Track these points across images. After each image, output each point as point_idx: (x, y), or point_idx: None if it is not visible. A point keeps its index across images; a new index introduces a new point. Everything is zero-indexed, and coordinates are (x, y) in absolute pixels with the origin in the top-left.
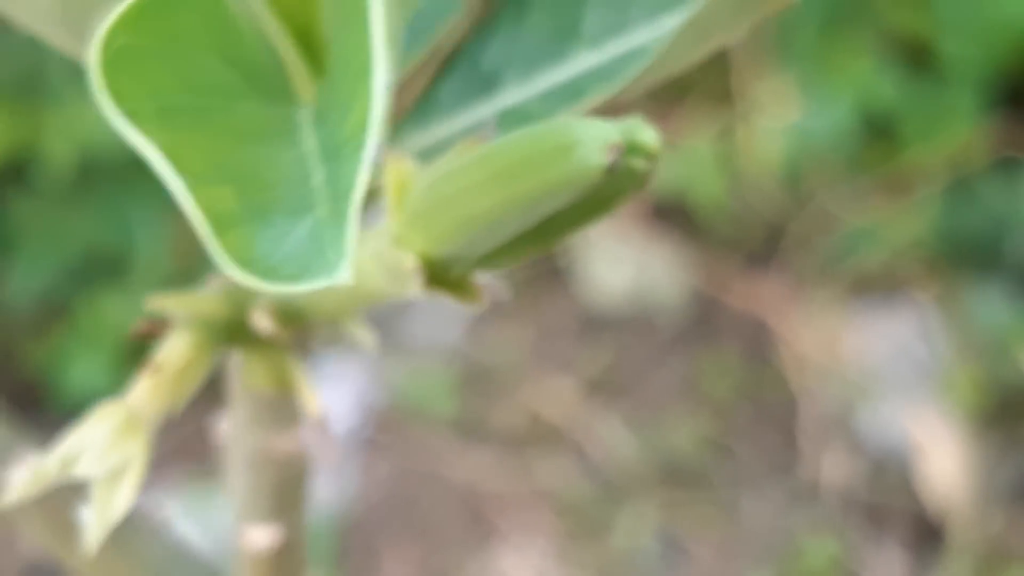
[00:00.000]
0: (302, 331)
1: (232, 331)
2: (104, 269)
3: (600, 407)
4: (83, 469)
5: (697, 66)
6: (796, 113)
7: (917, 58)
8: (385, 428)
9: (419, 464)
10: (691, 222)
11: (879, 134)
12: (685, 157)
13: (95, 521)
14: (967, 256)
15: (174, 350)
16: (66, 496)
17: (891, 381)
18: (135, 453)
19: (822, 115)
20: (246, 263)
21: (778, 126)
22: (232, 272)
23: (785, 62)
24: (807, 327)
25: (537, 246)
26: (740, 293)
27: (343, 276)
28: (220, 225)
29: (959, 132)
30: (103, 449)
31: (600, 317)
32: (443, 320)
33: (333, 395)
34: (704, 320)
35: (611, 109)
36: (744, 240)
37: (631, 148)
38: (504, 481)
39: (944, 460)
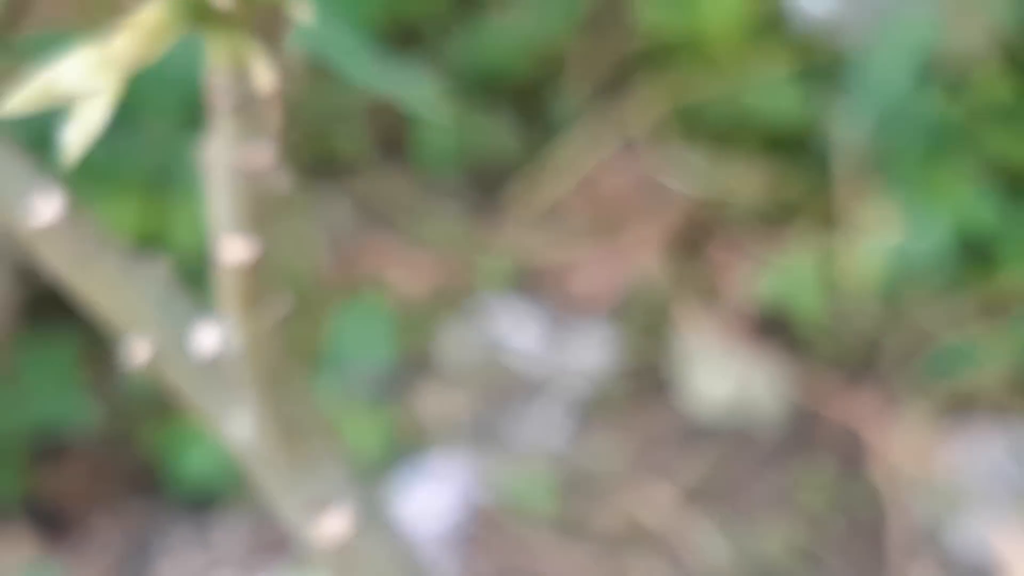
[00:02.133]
0: (261, 13)
1: (197, 9)
2: None
3: (696, 514)
4: (63, 91)
5: (802, 188)
6: (897, 234)
7: (1016, 184)
8: (486, 526)
9: (518, 562)
10: (792, 337)
11: (977, 256)
12: (788, 274)
13: (74, 137)
14: None
15: (146, 16)
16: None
17: (981, 498)
18: (111, 85)
19: (922, 237)
20: None
21: (879, 247)
22: None
23: (888, 186)
24: (901, 442)
25: None
26: (837, 407)
27: None
28: None
29: None
30: (81, 76)
31: (701, 428)
32: (548, 425)
33: (436, 492)
34: (802, 433)
35: None
36: (843, 355)
37: None
38: None
39: None
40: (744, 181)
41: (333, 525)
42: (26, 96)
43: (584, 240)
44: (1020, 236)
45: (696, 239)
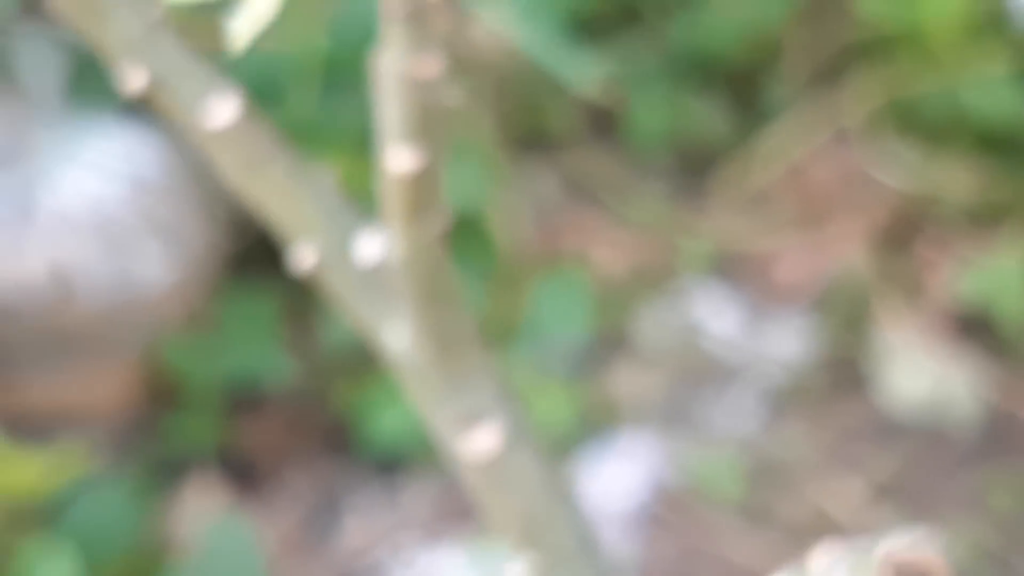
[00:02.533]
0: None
1: None
2: None
3: (885, 510)
4: None
5: (1016, 189)
6: None
7: None
8: (672, 507)
9: (702, 545)
10: (993, 338)
11: None
12: (993, 275)
13: (243, 26)
14: None
15: None
16: None
17: None
18: None
19: None
20: None
21: None
22: None
23: None
24: None
25: None
26: None
27: None
28: None
29: None
30: None
31: (895, 424)
32: (741, 410)
33: (624, 470)
34: (997, 435)
35: None
36: None
37: None
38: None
39: None
40: (955, 179)
41: (483, 439)
42: None
43: (789, 229)
44: None
45: (902, 235)
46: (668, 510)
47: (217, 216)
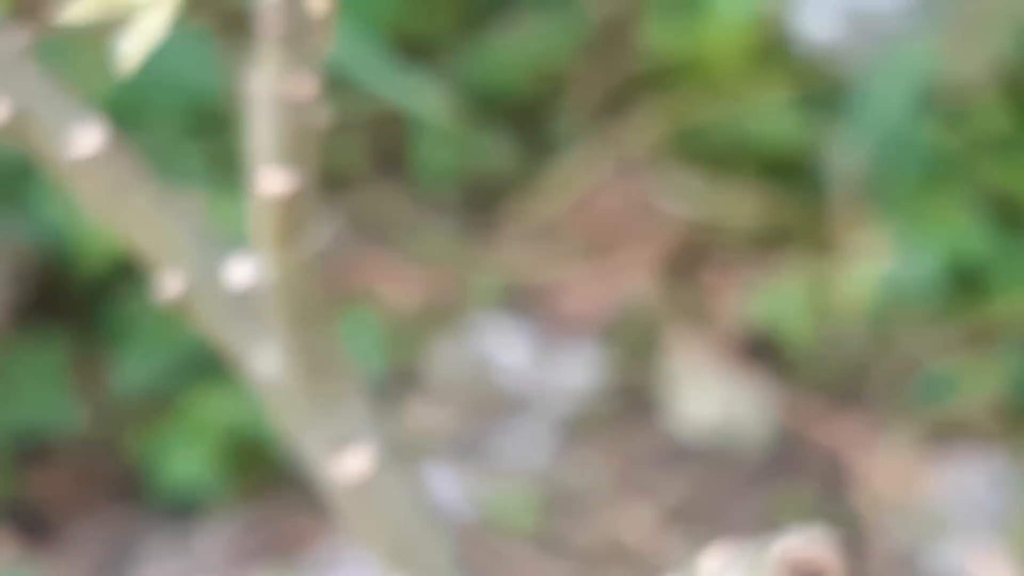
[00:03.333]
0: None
1: None
2: (210, 365)
3: (677, 534)
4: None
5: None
6: (889, 261)
7: (1009, 215)
8: (468, 541)
9: None
10: (780, 361)
11: (967, 285)
12: (779, 298)
13: (132, 48)
14: None
15: None
16: None
17: (960, 525)
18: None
19: (914, 264)
20: None
21: (871, 273)
22: None
23: (882, 213)
24: (883, 467)
25: None
26: (822, 431)
27: None
28: None
29: None
30: None
31: (685, 449)
32: (533, 441)
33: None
34: (785, 456)
35: None
36: (830, 380)
37: None
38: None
39: None
40: (740, 205)
41: (354, 462)
42: (87, 5)
43: (577, 260)
44: (1011, 266)
45: (689, 262)
46: (464, 544)
47: (0, 263)
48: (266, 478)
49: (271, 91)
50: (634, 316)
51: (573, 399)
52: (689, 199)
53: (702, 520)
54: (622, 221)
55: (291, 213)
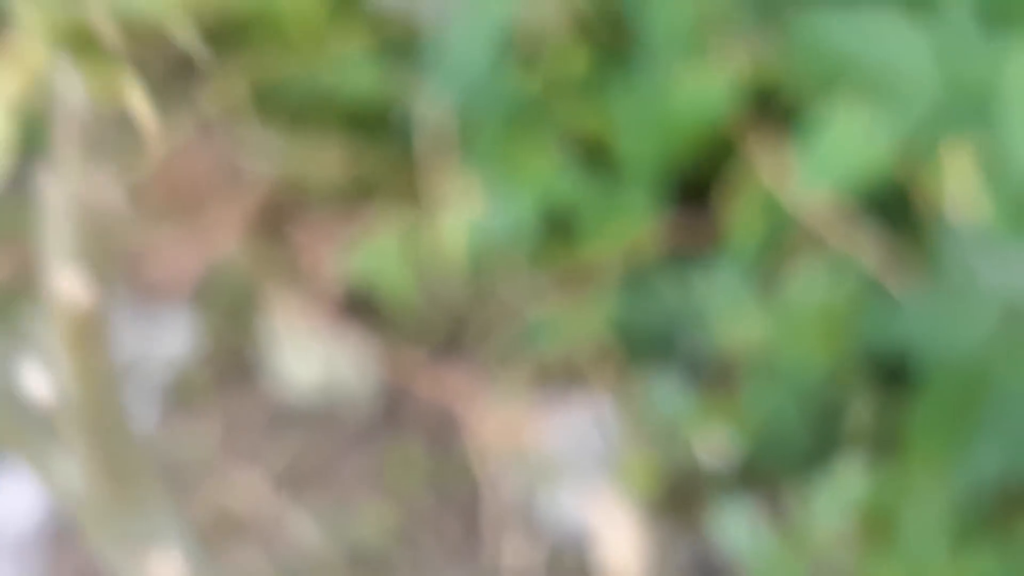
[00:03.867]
0: (141, 45)
1: (73, 40)
2: None
3: (287, 500)
4: None
5: (384, 165)
6: (479, 210)
7: (595, 157)
8: (70, 525)
9: (101, 564)
10: (379, 316)
11: (559, 230)
12: (373, 253)
13: None
14: (642, 347)
15: (22, 52)
16: None
17: (570, 469)
18: (5, 126)
19: (504, 212)
20: None
21: (462, 223)
22: None
23: (470, 161)
24: (490, 417)
25: None
26: (426, 385)
27: None
28: None
29: (633, 228)
30: None
31: (288, 411)
32: (132, 412)
33: (15, 492)
34: (391, 412)
35: None
36: (430, 332)
37: None
38: None
39: (619, 544)
40: (323, 161)
41: (163, 568)
42: None
43: (161, 225)
44: (598, 207)
45: (278, 221)
46: (69, 528)
47: None
48: None
49: (70, 193)
50: (226, 279)
51: (171, 367)
52: (272, 158)
53: (311, 483)
54: (206, 183)
55: (88, 320)
